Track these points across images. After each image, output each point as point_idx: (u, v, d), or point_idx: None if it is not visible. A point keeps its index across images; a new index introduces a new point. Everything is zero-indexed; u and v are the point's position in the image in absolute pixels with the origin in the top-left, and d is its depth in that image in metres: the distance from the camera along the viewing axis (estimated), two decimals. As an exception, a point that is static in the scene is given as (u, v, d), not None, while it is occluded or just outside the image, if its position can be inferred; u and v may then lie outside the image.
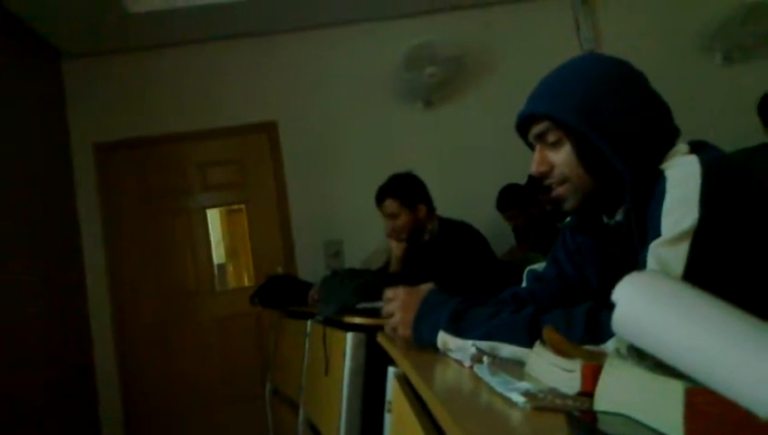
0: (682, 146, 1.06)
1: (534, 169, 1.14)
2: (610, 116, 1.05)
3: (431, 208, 2.84)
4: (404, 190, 2.82)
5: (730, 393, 0.29)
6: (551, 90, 1.11)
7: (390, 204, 2.82)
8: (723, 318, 0.31)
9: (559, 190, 1.13)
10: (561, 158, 1.10)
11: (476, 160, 4.32)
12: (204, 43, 4.41)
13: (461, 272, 2.50)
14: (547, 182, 1.14)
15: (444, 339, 1.12)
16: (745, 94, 3.31)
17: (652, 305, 0.33)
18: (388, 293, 1.28)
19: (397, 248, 2.81)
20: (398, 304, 1.24)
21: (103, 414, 4.24)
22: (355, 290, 1.88)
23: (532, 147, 1.17)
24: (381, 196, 2.86)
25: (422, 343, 1.18)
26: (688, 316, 0.32)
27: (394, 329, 1.25)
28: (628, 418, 0.57)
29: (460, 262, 2.58)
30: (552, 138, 1.11)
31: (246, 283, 4.69)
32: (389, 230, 2.84)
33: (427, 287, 1.24)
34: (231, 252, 5.43)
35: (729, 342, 0.29)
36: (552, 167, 1.12)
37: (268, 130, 4.45)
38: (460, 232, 2.76)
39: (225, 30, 4.34)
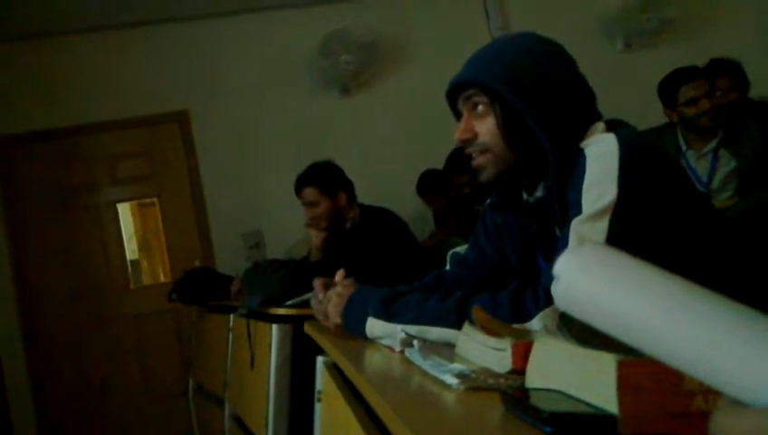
0: (599, 124, 1.10)
1: (458, 135, 1.14)
2: (537, 90, 1.08)
3: (351, 196, 2.83)
4: (323, 178, 2.81)
5: (682, 360, 0.30)
6: (483, 60, 1.14)
7: (310, 192, 2.80)
8: (677, 290, 0.32)
9: (479, 160, 1.14)
10: (486, 127, 1.12)
11: (395, 147, 4.35)
12: (110, 29, 4.21)
13: (383, 259, 2.51)
14: (468, 150, 1.15)
15: (372, 326, 1.12)
16: (645, 80, 3.47)
17: (599, 277, 0.34)
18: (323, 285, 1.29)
19: (316, 237, 2.80)
20: (329, 297, 1.25)
21: (16, 423, 4.03)
22: (281, 281, 1.86)
23: (459, 117, 1.18)
24: (300, 184, 2.84)
25: (351, 332, 1.18)
26: (638, 286, 0.32)
27: (325, 318, 1.25)
28: (560, 393, 0.59)
29: (382, 249, 2.59)
30: (479, 106, 1.12)
31: (162, 279, 4.55)
32: (308, 219, 2.83)
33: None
34: (145, 247, 5.24)
35: (684, 312, 0.30)
36: (475, 135, 1.13)
37: (180, 120, 4.30)
38: (381, 219, 2.77)
39: (133, 16, 4.15)
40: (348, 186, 2.83)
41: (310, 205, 2.80)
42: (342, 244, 2.75)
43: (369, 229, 2.70)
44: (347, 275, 1.30)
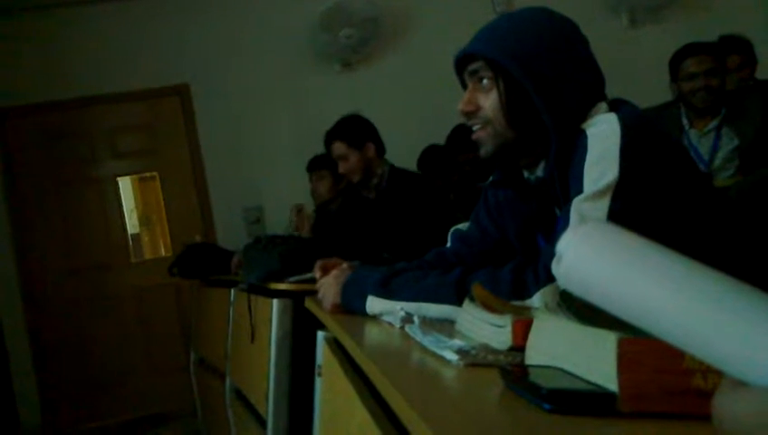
0: (602, 105, 1.09)
1: (461, 106, 1.13)
2: (545, 68, 1.06)
3: (380, 147, 2.77)
4: (350, 131, 2.74)
5: (682, 338, 0.30)
6: (492, 33, 1.12)
7: (338, 146, 2.75)
8: (678, 269, 0.32)
9: (480, 133, 1.13)
10: (489, 101, 1.10)
11: (395, 122, 4.30)
12: (111, 2, 4.17)
13: (413, 230, 2.42)
14: (470, 123, 1.14)
15: (372, 304, 1.13)
16: (650, 56, 3.44)
17: (601, 255, 0.33)
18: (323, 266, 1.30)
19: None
20: (329, 277, 1.27)
21: (19, 394, 4.07)
22: (281, 256, 1.86)
23: (466, 87, 1.17)
24: (328, 140, 2.79)
25: (352, 310, 1.19)
26: (639, 265, 0.32)
27: (324, 298, 1.27)
28: (560, 370, 0.59)
29: (413, 219, 2.50)
30: (484, 79, 1.11)
31: (163, 253, 4.56)
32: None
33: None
34: (145, 221, 5.25)
35: (688, 291, 0.30)
36: (478, 108, 1.12)
37: (180, 93, 4.28)
38: (412, 184, 2.69)
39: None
40: (375, 137, 2.77)
41: (339, 159, 2.75)
42: (367, 211, 2.70)
43: (398, 197, 2.61)
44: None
